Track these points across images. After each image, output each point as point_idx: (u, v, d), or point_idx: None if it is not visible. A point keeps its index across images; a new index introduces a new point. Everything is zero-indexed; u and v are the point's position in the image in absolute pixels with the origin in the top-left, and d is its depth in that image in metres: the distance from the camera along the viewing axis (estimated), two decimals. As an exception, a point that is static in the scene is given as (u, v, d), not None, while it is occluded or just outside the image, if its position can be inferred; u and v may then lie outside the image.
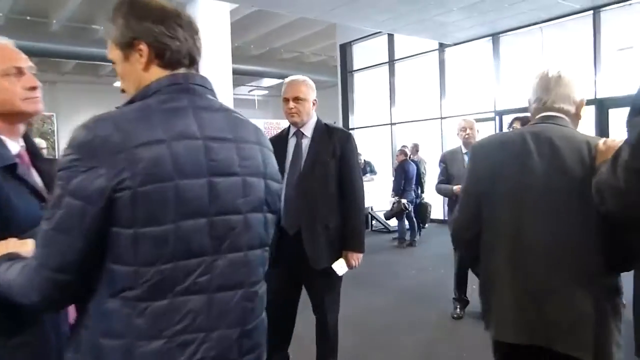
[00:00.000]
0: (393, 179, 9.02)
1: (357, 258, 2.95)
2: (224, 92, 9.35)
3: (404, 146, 9.37)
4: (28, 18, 10.84)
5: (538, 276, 1.69)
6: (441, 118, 10.86)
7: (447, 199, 5.88)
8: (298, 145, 2.94)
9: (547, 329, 1.68)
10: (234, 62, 13.89)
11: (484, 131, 10.53)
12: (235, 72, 14.48)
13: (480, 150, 1.93)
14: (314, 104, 3.03)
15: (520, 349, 1.75)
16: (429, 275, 6.48)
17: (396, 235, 9.03)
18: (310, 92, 2.99)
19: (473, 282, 4.73)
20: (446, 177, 4.71)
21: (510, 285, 1.74)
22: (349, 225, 2.88)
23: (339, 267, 2.91)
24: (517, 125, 4.14)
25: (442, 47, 10.82)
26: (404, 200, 8.48)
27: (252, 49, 14.14)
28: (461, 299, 4.82)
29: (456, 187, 4.45)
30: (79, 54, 12.16)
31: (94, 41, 12.28)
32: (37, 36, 11.33)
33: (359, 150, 10.64)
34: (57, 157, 9.58)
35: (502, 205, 1.76)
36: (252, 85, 18.00)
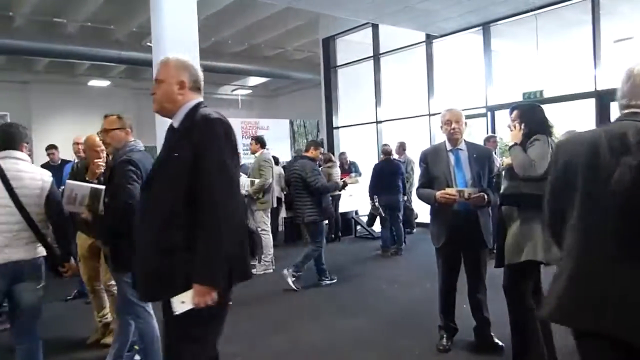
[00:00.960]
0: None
1: (201, 294, 1.99)
2: None
3: (384, 145, 8.55)
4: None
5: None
6: (429, 115, 10.01)
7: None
8: (166, 141, 2.28)
9: None
10: (212, 59, 13.12)
11: (476, 129, 9.95)
12: (214, 70, 13.69)
13: (568, 145, 1.92)
14: (181, 86, 2.22)
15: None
16: (414, 292, 5.62)
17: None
18: (171, 72, 2.24)
19: (463, 301, 3.88)
20: (427, 180, 3.85)
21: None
22: (196, 249, 2.00)
23: (178, 302, 2.02)
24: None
25: (429, 39, 9.99)
26: (376, 203, 7.75)
27: (232, 46, 13.26)
28: (448, 326, 3.95)
29: (439, 193, 3.60)
30: (48, 51, 11.28)
31: (64, 37, 11.44)
32: (1, 32, 10.52)
33: (343, 149, 9.82)
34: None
35: (597, 200, 1.75)
36: (236, 85, 17.13)
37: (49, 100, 14.66)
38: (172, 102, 2.23)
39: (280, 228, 9.68)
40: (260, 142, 7.00)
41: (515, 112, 3.43)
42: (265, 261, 6.88)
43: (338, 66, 11.95)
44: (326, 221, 6.99)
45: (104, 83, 15.08)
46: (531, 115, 3.39)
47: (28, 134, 3.33)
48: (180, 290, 2.00)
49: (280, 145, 10.91)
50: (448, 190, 3.57)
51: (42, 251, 3.16)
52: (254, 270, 6.91)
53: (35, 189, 3.09)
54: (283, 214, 9.17)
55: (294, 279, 5.98)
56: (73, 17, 10.89)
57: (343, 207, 9.39)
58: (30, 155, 3.25)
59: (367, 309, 5.15)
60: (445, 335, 3.92)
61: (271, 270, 6.91)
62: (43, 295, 3.19)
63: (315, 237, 6.09)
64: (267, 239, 6.86)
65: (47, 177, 3.20)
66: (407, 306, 5.14)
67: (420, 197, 3.97)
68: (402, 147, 9.06)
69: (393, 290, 5.78)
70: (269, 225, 6.96)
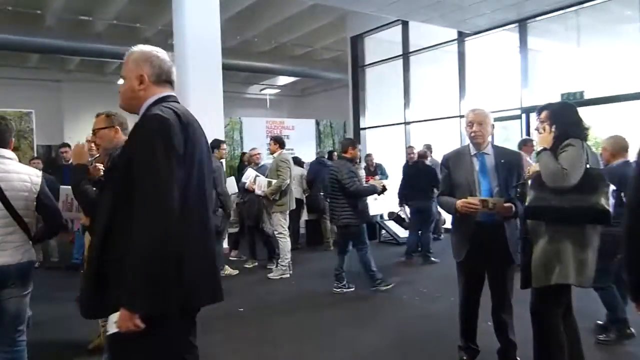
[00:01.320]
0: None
1: (122, 317, 1.70)
2: (214, 91, 8.28)
3: (409, 147, 8.14)
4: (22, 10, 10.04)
5: None
6: (460, 117, 9.53)
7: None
8: None
9: None
10: (239, 58, 12.94)
11: (512, 132, 9.44)
12: (241, 69, 13.52)
13: None
14: (141, 81, 1.97)
15: None
16: (436, 305, 5.20)
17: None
18: (130, 67, 2.00)
19: (486, 317, 3.47)
20: (449, 187, 3.46)
21: None
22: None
23: (112, 322, 1.75)
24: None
25: (461, 36, 9.51)
26: (401, 208, 7.38)
27: (259, 45, 13.06)
28: (469, 348, 3.55)
29: (460, 202, 3.20)
30: (77, 49, 11.31)
31: (92, 35, 11.45)
32: (35, 31, 10.58)
33: (369, 151, 9.45)
34: (35, 156, 8.85)
35: None
36: (265, 84, 16.95)
37: (80, 98, 14.73)
38: (134, 99, 1.97)
39: (302, 231, 9.39)
40: (278, 142, 6.71)
41: (544, 113, 2.98)
42: (282, 265, 6.58)
43: (366, 65, 11.57)
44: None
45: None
46: (563, 115, 2.95)
47: (14, 129, 3.16)
48: (111, 310, 1.74)
49: (305, 146, 10.63)
50: (470, 199, 3.15)
51: (31, 255, 2.95)
52: (270, 275, 6.72)
53: (23, 191, 2.89)
54: (305, 216, 8.86)
55: (379, 284, 5.70)
56: (101, 15, 10.88)
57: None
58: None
59: (384, 322, 4.76)
60: (465, 358, 3.53)
61: (288, 275, 6.61)
62: (29, 302, 2.99)
63: (358, 241, 5.79)
64: (285, 242, 6.56)
65: (35, 177, 2.98)
66: (427, 321, 4.73)
67: (441, 205, 3.58)
68: (429, 150, 8.61)
69: (413, 303, 5.37)
70: (287, 228, 6.65)
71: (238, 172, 9.11)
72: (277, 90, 17.78)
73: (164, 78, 1.99)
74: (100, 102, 15.12)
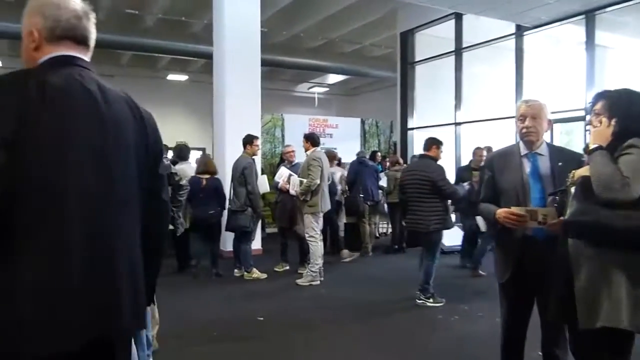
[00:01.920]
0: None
1: None
2: (252, 86, 7.93)
3: (478, 148, 7.37)
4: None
5: None
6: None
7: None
8: None
9: None
10: (286, 54, 12.59)
11: (573, 136, 8.55)
12: (287, 66, 13.16)
13: None
14: (32, 39, 1.52)
15: None
16: (476, 327, 4.55)
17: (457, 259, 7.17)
18: (24, 23, 1.54)
19: (535, 345, 2.83)
20: (491, 193, 2.85)
21: None
22: None
23: None
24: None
25: (520, 30, 8.71)
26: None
27: (307, 41, 12.65)
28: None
29: (503, 212, 2.57)
30: (127, 44, 11.28)
31: (142, 30, 11.40)
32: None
33: (417, 152, 8.80)
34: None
35: None
36: (314, 82, 16.54)
37: (132, 93, 14.68)
38: (30, 63, 1.49)
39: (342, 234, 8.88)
40: (311, 139, 6.22)
41: (601, 102, 2.20)
42: (312, 271, 6.09)
43: (416, 62, 10.90)
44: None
45: (183, 77, 15.07)
46: (627, 106, 2.16)
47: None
48: None
49: (350, 145, 10.11)
50: (514, 209, 2.52)
51: None
52: (298, 281, 6.27)
53: None
54: (343, 219, 8.34)
55: (430, 300, 5.17)
56: (149, 10, 10.78)
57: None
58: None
59: (412, 344, 4.19)
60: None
61: (318, 282, 6.11)
62: None
63: (434, 249, 5.29)
64: (315, 246, 6.07)
65: None
66: (463, 346, 4.11)
67: (480, 213, 2.98)
68: (488, 152, 7.85)
69: (450, 323, 4.73)
70: (319, 232, 6.15)
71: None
72: (326, 89, 17.33)
73: (58, 33, 1.47)
74: (151, 97, 15.40)
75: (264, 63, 12.68)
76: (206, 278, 6.41)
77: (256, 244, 7.89)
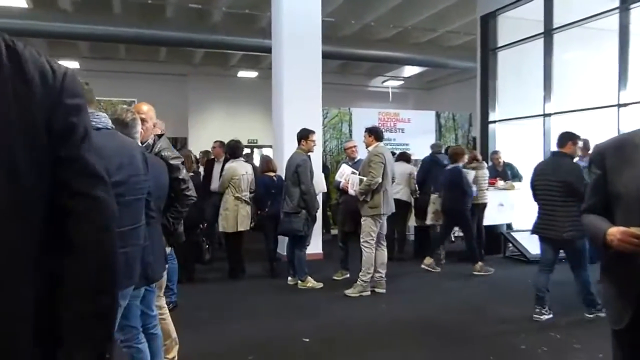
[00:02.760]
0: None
1: None
2: (312, 79, 7.31)
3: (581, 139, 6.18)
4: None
5: None
6: (618, 105, 7.41)
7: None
8: None
9: None
10: (356, 46, 11.85)
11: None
12: (359, 58, 12.41)
13: None
14: None
15: None
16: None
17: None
18: None
19: None
20: (601, 199, 1.97)
21: None
22: None
23: None
24: None
25: (625, 3, 7.38)
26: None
27: (379, 32, 11.82)
28: None
29: (619, 234, 1.69)
30: (198, 41, 11.08)
31: (210, 26, 11.14)
32: (157, 24, 10.53)
33: (499, 147, 7.77)
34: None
35: None
36: (388, 76, 15.67)
37: (204, 91, 14.83)
38: None
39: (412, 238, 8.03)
40: (374, 133, 5.45)
41: None
42: (362, 281, 5.32)
43: (498, 48, 9.73)
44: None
45: (253, 74, 14.77)
46: None
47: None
48: None
49: (424, 141, 9.20)
50: (635, 229, 1.70)
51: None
52: (347, 292, 5.44)
53: None
54: (413, 221, 7.48)
55: (599, 310, 4.35)
56: (215, 4, 10.47)
57: (490, 219, 7.36)
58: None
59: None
60: None
61: (368, 293, 5.36)
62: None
63: (581, 259, 4.46)
64: (369, 253, 5.29)
65: None
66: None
67: (585, 228, 2.11)
68: (585, 147, 6.69)
69: (537, 355, 3.80)
70: (376, 237, 5.36)
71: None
72: (401, 82, 16.37)
73: None
74: (224, 95, 15.34)
75: (332, 56, 12.11)
76: (260, 285, 5.86)
77: (316, 247, 7.26)
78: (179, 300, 4.89)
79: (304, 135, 5.71)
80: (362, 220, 5.34)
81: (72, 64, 12.92)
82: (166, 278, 4.16)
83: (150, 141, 3.23)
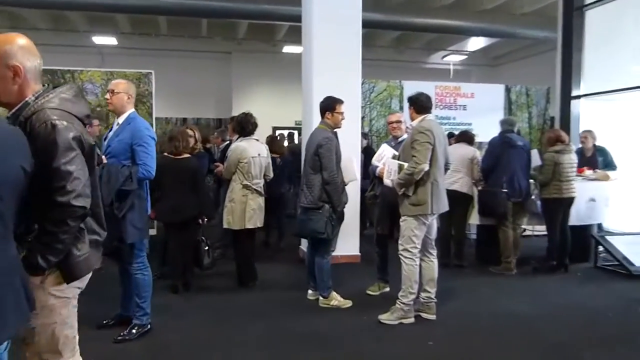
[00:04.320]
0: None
1: None
2: (348, 48, 5.79)
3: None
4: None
5: None
6: None
7: None
8: None
9: None
10: (410, 14, 10.13)
11: None
12: (412, 28, 10.66)
13: None
14: None
15: None
16: None
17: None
18: None
19: None
20: None
21: None
22: None
23: None
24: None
25: None
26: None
27: (438, -4, 10.05)
28: None
29: None
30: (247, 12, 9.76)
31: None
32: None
33: (584, 127, 5.74)
34: (153, 123, 7.50)
35: None
36: (450, 50, 13.76)
37: (248, 68, 13.62)
38: None
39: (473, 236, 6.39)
40: (418, 104, 3.87)
41: None
42: (402, 303, 3.80)
43: (586, 6, 7.74)
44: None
45: (299, 49, 13.33)
46: None
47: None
48: None
49: (490, 120, 7.46)
50: None
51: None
52: (382, 317, 3.66)
53: None
54: (475, 219, 5.81)
55: None
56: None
57: (577, 218, 5.60)
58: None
59: None
60: None
61: (411, 319, 3.83)
62: None
63: None
64: (411, 268, 3.76)
65: None
66: None
67: None
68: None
69: None
70: (420, 244, 3.83)
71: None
72: (464, 58, 14.40)
73: None
74: (269, 72, 14.03)
75: (383, 25, 10.46)
76: (272, 298, 4.50)
77: (353, 246, 5.80)
78: (154, 320, 3.62)
79: (329, 105, 4.23)
80: (401, 221, 3.82)
81: (110, 40, 12.08)
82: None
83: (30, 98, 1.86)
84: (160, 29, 12.40)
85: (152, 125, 7.10)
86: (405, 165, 3.68)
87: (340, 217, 4.22)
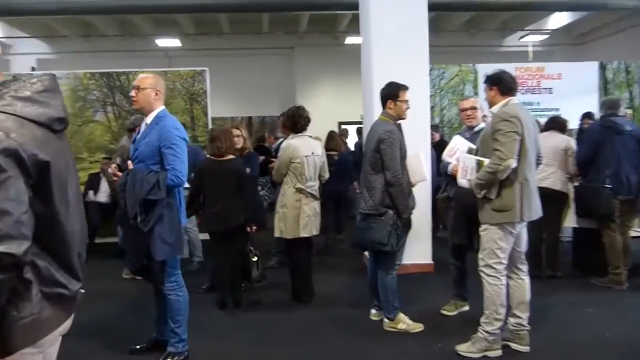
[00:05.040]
0: None
1: None
2: (414, 31, 5.08)
3: None
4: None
5: None
6: None
7: None
8: None
9: None
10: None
11: None
12: (486, 8, 9.62)
13: None
14: None
15: None
16: None
17: None
18: None
19: None
20: None
21: None
22: None
23: None
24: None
25: None
26: None
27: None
28: None
29: None
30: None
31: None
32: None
33: None
34: (208, 123, 7.12)
35: None
36: (528, 30, 12.47)
37: (311, 63, 13.15)
38: None
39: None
40: (502, 84, 3.08)
41: None
42: (486, 332, 3.04)
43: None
44: None
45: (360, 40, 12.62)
46: None
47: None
48: None
49: (581, 103, 6.41)
50: None
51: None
52: (461, 349, 2.83)
53: None
54: (571, 221, 4.86)
55: None
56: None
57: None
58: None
59: None
60: None
61: (498, 352, 3.05)
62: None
63: None
64: (496, 286, 2.98)
65: None
66: None
67: None
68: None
69: None
70: (507, 259, 3.06)
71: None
72: (544, 37, 13.01)
73: None
74: (331, 66, 13.44)
75: (453, 7, 9.55)
76: (329, 318, 3.90)
77: (424, 253, 5.07)
78: (193, 340, 3.14)
79: (391, 92, 3.54)
80: (481, 230, 3.08)
81: (174, 42, 12.02)
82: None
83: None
84: (222, 28, 12.20)
85: (207, 125, 6.79)
86: (486, 161, 2.93)
87: (406, 225, 3.52)
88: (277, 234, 4.14)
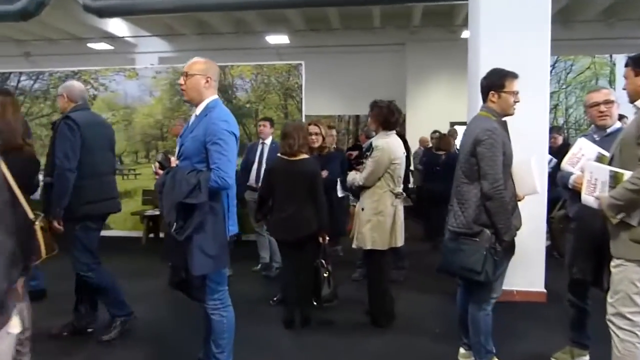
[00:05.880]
0: None
1: None
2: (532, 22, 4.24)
3: None
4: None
5: None
6: None
7: None
8: None
9: None
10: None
11: None
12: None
13: None
14: None
15: None
16: None
17: None
18: None
19: None
20: None
21: None
22: None
23: None
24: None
25: None
26: None
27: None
28: None
29: None
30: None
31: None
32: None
33: None
34: (302, 120, 6.66)
35: None
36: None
37: (423, 59, 12.33)
38: None
39: None
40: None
41: None
42: None
43: None
44: None
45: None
46: None
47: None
48: None
49: None
50: None
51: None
52: None
53: None
54: None
55: None
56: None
57: None
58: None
59: None
60: None
61: None
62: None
63: None
64: (631, 346, 2.08)
65: None
66: None
67: None
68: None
69: None
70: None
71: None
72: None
73: None
74: (445, 62, 12.41)
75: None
76: (411, 352, 3.23)
77: (536, 279, 4.14)
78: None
79: (494, 82, 2.77)
80: (612, 265, 2.22)
81: (282, 39, 11.93)
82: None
83: None
84: (331, 24, 11.86)
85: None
86: (627, 174, 2.08)
87: (508, 250, 2.72)
88: (369, 246, 3.51)
